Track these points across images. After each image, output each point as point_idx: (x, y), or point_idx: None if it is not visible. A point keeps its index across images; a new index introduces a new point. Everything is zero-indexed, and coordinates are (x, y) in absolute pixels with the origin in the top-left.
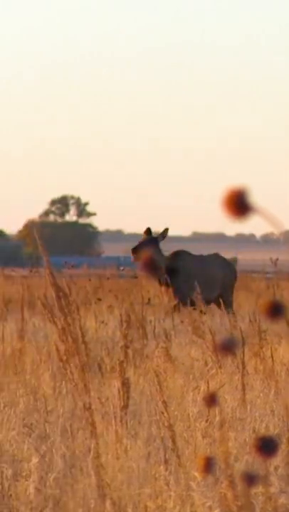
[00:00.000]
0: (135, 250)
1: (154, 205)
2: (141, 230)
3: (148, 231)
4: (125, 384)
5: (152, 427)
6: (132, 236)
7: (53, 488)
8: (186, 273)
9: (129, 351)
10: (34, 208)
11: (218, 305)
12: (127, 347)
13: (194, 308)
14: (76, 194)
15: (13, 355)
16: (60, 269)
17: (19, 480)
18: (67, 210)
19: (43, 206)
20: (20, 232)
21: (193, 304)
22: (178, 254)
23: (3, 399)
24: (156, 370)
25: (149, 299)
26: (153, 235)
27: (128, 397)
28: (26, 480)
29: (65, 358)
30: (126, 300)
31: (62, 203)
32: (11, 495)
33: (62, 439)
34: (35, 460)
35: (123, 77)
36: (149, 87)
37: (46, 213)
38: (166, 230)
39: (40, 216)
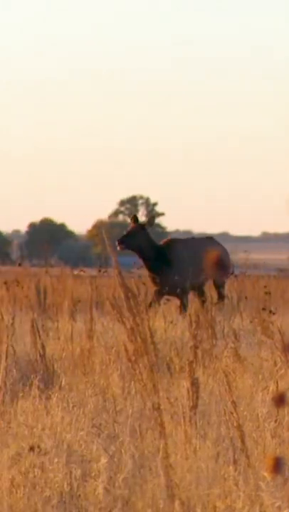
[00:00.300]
0: (122, 240)
1: (222, 205)
2: (210, 230)
3: (135, 219)
4: (194, 384)
5: (221, 427)
6: (202, 236)
7: (121, 489)
8: (177, 263)
9: (198, 351)
10: (103, 209)
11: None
12: (196, 347)
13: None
14: (145, 194)
15: (82, 355)
16: (129, 269)
17: (88, 480)
18: (137, 211)
19: (112, 206)
20: (89, 232)
21: (192, 289)
22: (170, 243)
23: (72, 399)
24: (225, 370)
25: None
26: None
27: (197, 398)
28: (95, 480)
29: (133, 358)
30: (195, 300)
31: (131, 203)
32: (79, 495)
33: (131, 439)
34: (104, 460)
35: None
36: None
37: (115, 213)
38: (153, 217)
39: (110, 216)
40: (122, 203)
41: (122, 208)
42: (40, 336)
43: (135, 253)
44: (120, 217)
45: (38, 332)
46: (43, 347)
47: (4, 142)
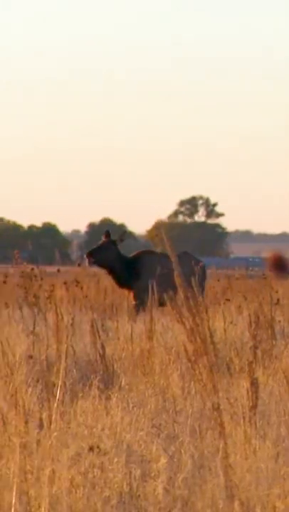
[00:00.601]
0: (90, 254)
1: (282, 205)
2: (270, 230)
3: (107, 234)
4: (254, 384)
5: (281, 428)
6: (261, 236)
7: (181, 489)
8: (149, 274)
9: (258, 352)
10: (163, 209)
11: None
12: (256, 347)
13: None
14: (205, 195)
15: (141, 356)
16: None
17: (148, 480)
18: (196, 211)
19: (172, 207)
20: (148, 232)
21: (161, 304)
22: (141, 255)
23: (132, 399)
24: (285, 371)
25: (278, 300)
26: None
27: (257, 398)
28: (155, 480)
29: (193, 358)
30: (255, 300)
31: (191, 204)
32: (139, 495)
33: (190, 439)
34: (163, 460)
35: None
36: None
37: (175, 214)
38: (124, 232)
39: (169, 217)
40: (182, 203)
41: (182, 209)
42: (99, 336)
43: (103, 268)
44: (180, 217)
45: (98, 332)
46: (103, 347)
47: (4, 142)
